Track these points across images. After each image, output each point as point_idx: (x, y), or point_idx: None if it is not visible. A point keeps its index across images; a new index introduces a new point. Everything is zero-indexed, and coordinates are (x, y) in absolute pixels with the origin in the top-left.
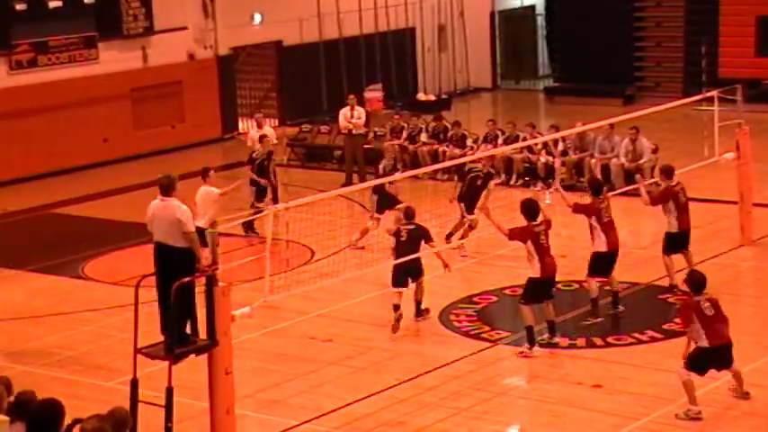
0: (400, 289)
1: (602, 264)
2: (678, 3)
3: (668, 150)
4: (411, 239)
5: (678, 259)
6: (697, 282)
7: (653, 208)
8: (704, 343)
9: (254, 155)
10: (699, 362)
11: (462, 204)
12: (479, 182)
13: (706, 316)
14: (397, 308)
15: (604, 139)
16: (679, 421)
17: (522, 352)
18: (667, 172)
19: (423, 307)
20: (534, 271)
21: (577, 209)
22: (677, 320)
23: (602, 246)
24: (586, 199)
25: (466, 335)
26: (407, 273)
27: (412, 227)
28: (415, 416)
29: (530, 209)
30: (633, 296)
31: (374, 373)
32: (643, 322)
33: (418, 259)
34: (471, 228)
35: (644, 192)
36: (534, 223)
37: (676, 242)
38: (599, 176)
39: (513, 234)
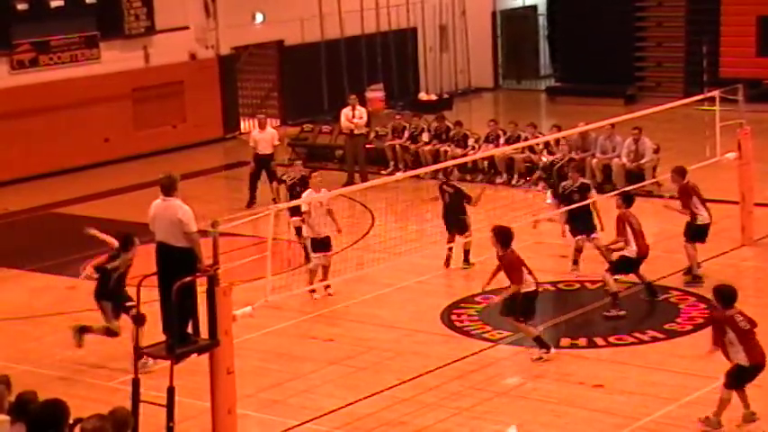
0: None
1: (625, 266)
2: (679, 3)
3: (669, 150)
4: None
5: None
6: (727, 295)
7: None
8: (743, 361)
9: (285, 177)
10: (740, 380)
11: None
12: (576, 196)
13: (742, 330)
14: None
15: (606, 139)
16: (680, 421)
17: (539, 358)
18: (681, 172)
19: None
20: (528, 285)
21: (620, 233)
22: (678, 320)
23: (631, 252)
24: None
25: (467, 334)
26: None
27: None
28: (416, 416)
29: (506, 237)
30: (634, 296)
31: (375, 372)
32: (644, 322)
33: None
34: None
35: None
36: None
37: (701, 233)
38: (599, 177)
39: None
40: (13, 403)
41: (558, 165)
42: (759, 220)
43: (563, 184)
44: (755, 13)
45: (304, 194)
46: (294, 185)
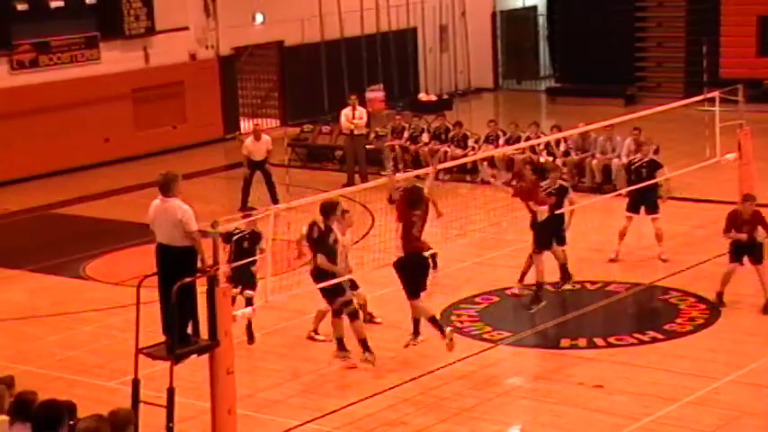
0: None
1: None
2: (679, 3)
3: (670, 150)
4: None
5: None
6: None
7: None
8: None
9: (235, 230)
10: None
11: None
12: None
13: None
14: None
15: (605, 140)
16: (680, 422)
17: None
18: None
19: None
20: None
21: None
22: (678, 321)
23: None
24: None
25: (467, 335)
26: None
27: None
28: (417, 416)
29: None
30: (635, 296)
31: (375, 373)
32: (644, 322)
33: None
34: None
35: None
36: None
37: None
38: (599, 177)
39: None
40: (11, 403)
41: (636, 165)
42: None
43: (543, 183)
44: (755, 13)
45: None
46: (241, 240)
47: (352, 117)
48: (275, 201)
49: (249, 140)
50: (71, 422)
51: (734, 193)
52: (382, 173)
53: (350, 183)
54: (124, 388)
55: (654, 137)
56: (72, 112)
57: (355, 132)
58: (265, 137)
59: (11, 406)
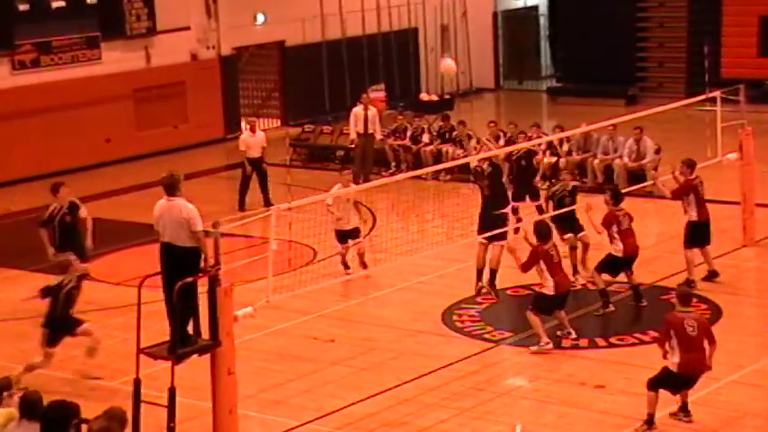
0: None
1: (613, 265)
2: (681, 3)
3: (671, 151)
4: None
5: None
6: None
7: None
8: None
9: None
10: None
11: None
12: (567, 200)
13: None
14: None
15: (608, 139)
16: (681, 422)
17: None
18: (689, 165)
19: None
20: (548, 289)
21: (603, 223)
22: None
23: (618, 251)
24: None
25: (468, 335)
26: None
27: None
28: (418, 416)
29: (541, 232)
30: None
31: (376, 373)
32: (646, 323)
33: None
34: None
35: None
36: (544, 243)
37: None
38: (601, 177)
39: (527, 266)
40: (19, 403)
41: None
42: (761, 221)
43: (553, 188)
44: (757, 13)
45: (333, 188)
46: None
47: (364, 117)
48: (267, 203)
49: (246, 134)
50: (75, 422)
51: (735, 194)
52: (384, 173)
53: (356, 182)
54: (126, 388)
55: (655, 137)
56: (73, 113)
57: (369, 131)
58: (260, 132)
59: (19, 405)
